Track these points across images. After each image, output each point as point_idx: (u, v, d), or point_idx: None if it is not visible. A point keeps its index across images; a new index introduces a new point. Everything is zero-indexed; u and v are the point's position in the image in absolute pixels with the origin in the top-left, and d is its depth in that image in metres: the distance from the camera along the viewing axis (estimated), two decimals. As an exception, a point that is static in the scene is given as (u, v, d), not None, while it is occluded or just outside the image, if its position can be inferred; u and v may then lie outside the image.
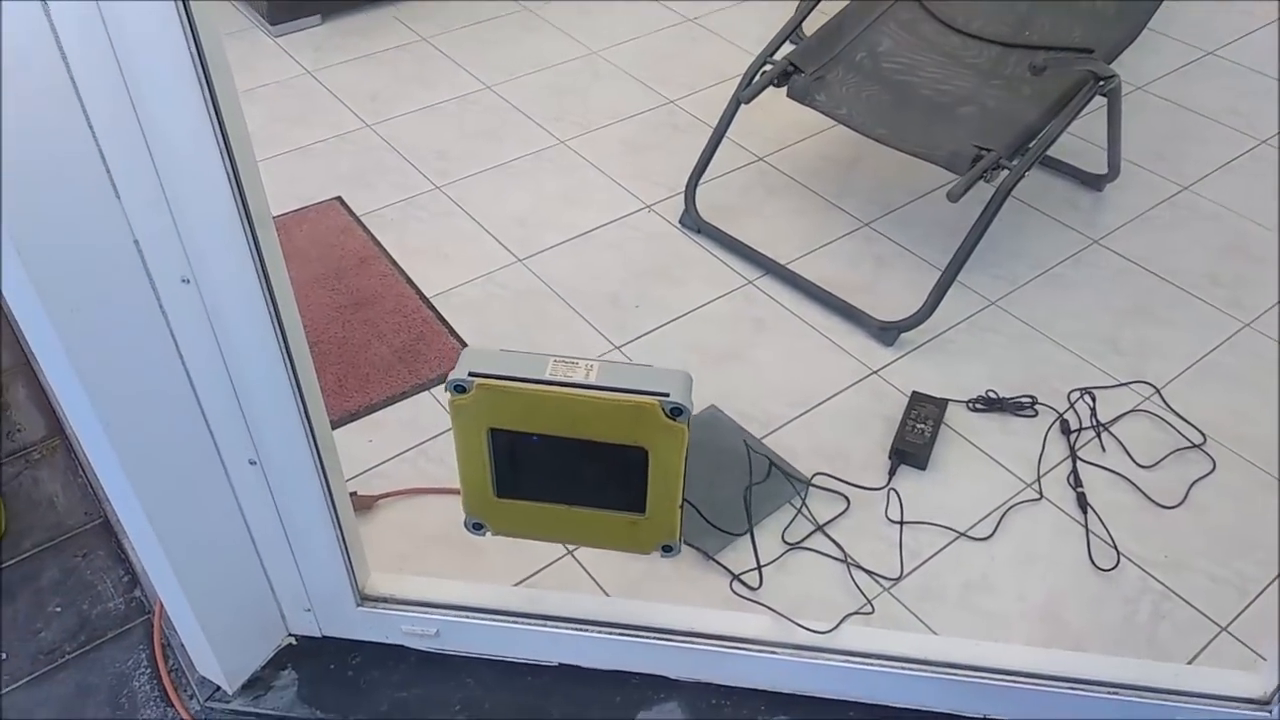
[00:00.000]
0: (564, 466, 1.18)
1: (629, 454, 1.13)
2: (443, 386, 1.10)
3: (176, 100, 0.92)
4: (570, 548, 1.58)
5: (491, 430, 1.15)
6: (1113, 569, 1.58)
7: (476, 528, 1.27)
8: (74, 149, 0.91)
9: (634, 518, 1.21)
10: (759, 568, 1.54)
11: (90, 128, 0.91)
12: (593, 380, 1.09)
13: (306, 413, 1.18)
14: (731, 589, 1.52)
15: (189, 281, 1.04)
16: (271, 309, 1.08)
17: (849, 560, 1.57)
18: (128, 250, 0.99)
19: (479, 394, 1.10)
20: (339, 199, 2.27)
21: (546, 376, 1.09)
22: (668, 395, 1.08)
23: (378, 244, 2.15)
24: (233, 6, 2.94)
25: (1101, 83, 1.94)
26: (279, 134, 2.46)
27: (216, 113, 0.94)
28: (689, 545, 1.57)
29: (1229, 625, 1.51)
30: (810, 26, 2.15)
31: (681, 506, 1.19)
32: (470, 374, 1.09)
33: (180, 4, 0.87)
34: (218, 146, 0.96)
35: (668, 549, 1.24)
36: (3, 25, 0.82)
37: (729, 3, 3.02)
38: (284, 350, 1.12)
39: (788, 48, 2.12)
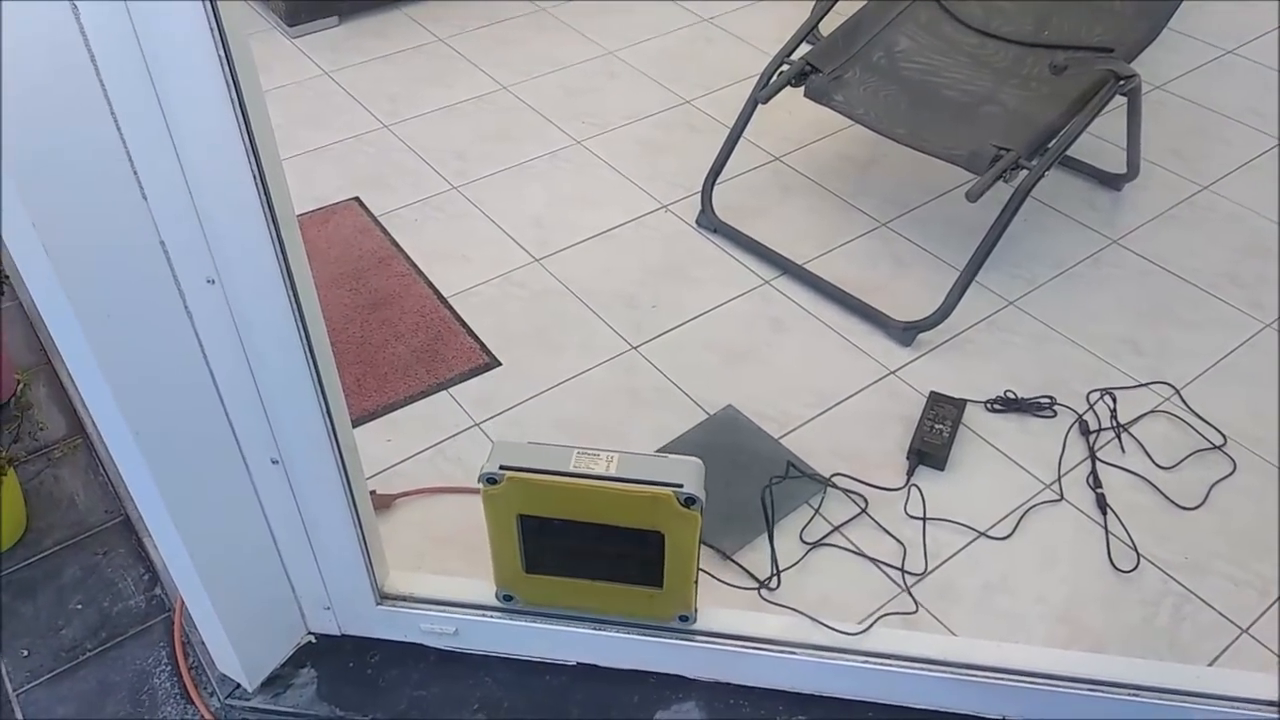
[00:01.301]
0: (587, 547, 1.28)
1: (647, 536, 1.23)
2: (477, 478, 1.23)
3: (203, 103, 0.93)
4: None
5: (521, 516, 1.25)
6: (1132, 570, 1.57)
7: (506, 599, 1.37)
8: (101, 151, 0.91)
9: (652, 591, 1.31)
10: (778, 571, 1.54)
11: (119, 131, 0.91)
12: (613, 472, 1.19)
13: (329, 412, 1.18)
14: (760, 595, 1.51)
15: (214, 282, 1.05)
16: (295, 309, 1.09)
17: (873, 559, 1.57)
18: (154, 251, 1.00)
19: (509, 486, 1.21)
20: (357, 199, 2.28)
21: (570, 469, 1.20)
22: (681, 486, 1.18)
23: (395, 244, 2.16)
24: (251, 8, 2.95)
25: (1122, 82, 1.93)
26: (297, 135, 2.47)
27: (243, 114, 0.95)
28: (707, 545, 1.57)
29: (1250, 627, 1.50)
30: (827, 27, 2.15)
31: (696, 581, 1.29)
32: (501, 467, 1.20)
33: (208, 7, 0.87)
34: (244, 148, 0.97)
35: (684, 618, 1.35)
36: (32, 30, 0.82)
37: (745, 3, 3.01)
38: (307, 350, 1.12)
39: (805, 48, 2.12)
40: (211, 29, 0.89)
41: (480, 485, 1.22)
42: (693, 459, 1.23)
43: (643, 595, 1.32)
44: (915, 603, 1.52)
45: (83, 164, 0.91)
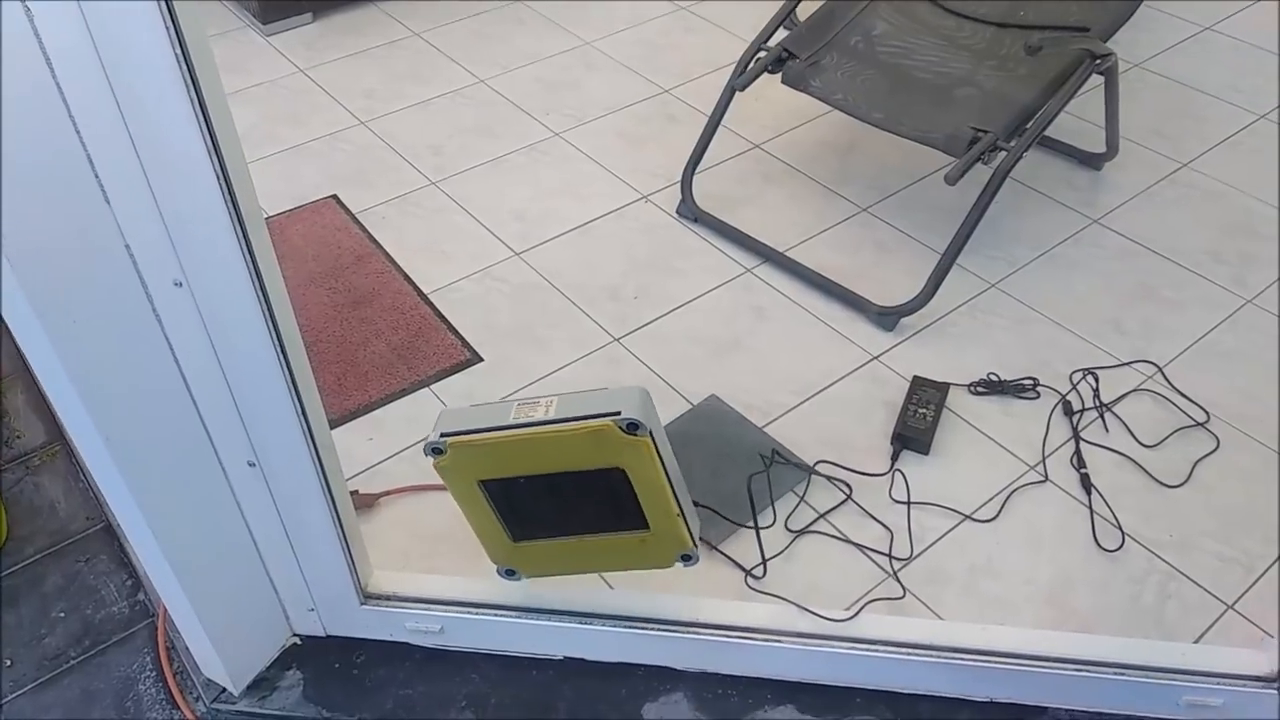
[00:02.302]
0: (559, 501, 1.24)
1: (609, 476, 1.17)
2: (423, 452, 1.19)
3: (163, 104, 0.92)
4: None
5: (481, 483, 1.21)
6: (1118, 549, 1.57)
7: (509, 573, 1.35)
8: (62, 155, 0.90)
9: (641, 535, 1.25)
10: (764, 560, 1.54)
11: (77, 133, 0.90)
12: (551, 415, 1.14)
13: (304, 413, 1.17)
14: (746, 584, 1.51)
15: (181, 284, 1.04)
16: (265, 309, 1.08)
17: (862, 545, 1.56)
18: (119, 255, 0.98)
19: (455, 453, 1.17)
20: (334, 197, 2.27)
21: (510, 421, 1.15)
22: (619, 413, 1.11)
23: (374, 241, 2.15)
24: (224, 7, 2.93)
25: (1098, 61, 1.92)
26: (273, 133, 2.45)
27: (204, 114, 0.94)
28: (692, 536, 1.56)
29: (1235, 603, 1.51)
30: (804, 12, 2.14)
31: (681, 516, 1.22)
32: (442, 435, 1.16)
33: (164, 10, 0.86)
34: (206, 148, 0.95)
35: (687, 558, 1.28)
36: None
37: (722, -10, 3.00)
38: (279, 351, 1.11)
39: (782, 34, 2.11)
40: (168, 30, 0.88)
41: (429, 458, 1.18)
42: (635, 387, 1.16)
43: (635, 542, 1.26)
44: (902, 588, 1.51)
45: (42, 169, 0.90)
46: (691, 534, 1.26)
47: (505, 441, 1.15)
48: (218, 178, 0.98)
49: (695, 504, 1.29)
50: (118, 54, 0.89)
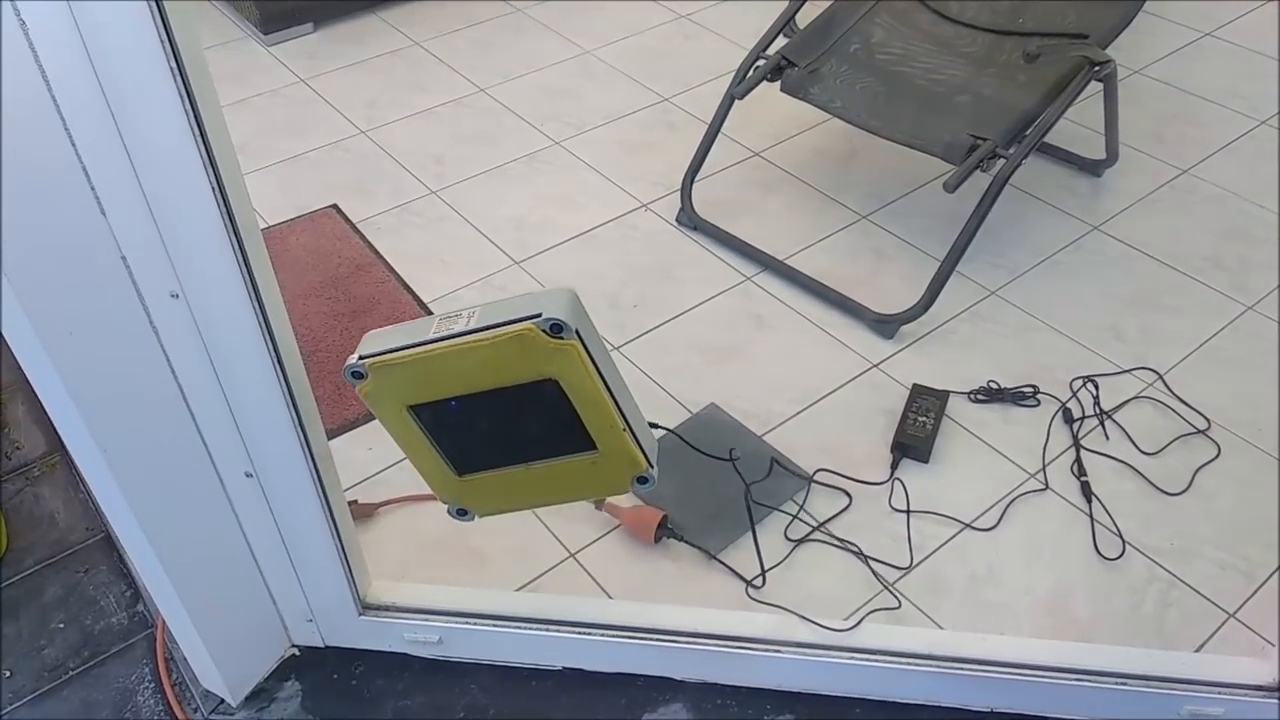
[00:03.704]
0: (498, 424, 1.12)
1: (543, 390, 1.05)
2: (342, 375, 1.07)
3: (157, 114, 0.92)
4: (572, 550, 1.58)
5: (411, 408, 1.09)
6: (1119, 558, 1.56)
7: (461, 513, 1.22)
8: (58, 167, 0.90)
9: (590, 457, 1.12)
10: (763, 570, 1.53)
11: (73, 145, 0.90)
12: (473, 325, 1.03)
13: (301, 424, 1.17)
14: (746, 594, 1.51)
15: (178, 296, 1.04)
16: (261, 320, 1.08)
17: (862, 554, 1.56)
18: (115, 267, 0.99)
19: (376, 376, 1.06)
20: (335, 206, 2.27)
21: (430, 336, 1.03)
22: (540, 315, 1.00)
23: (374, 250, 2.15)
24: (225, 16, 2.93)
25: (1097, 68, 1.92)
26: (273, 143, 2.46)
27: (199, 125, 0.94)
28: (691, 545, 1.56)
29: (1237, 611, 1.50)
30: (804, 20, 2.14)
31: (628, 430, 1.10)
32: (360, 358, 1.05)
33: (157, 16, 0.86)
34: (201, 159, 0.96)
35: (642, 480, 1.14)
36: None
37: (722, -2, 3.01)
38: (276, 361, 1.11)
39: (781, 42, 2.11)
40: (163, 42, 0.88)
41: (352, 385, 1.07)
42: (562, 288, 1.05)
43: (586, 465, 1.13)
44: (901, 597, 1.51)
45: (38, 182, 0.90)
46: (645, 452, 1.13)
47: (426, 357, 1.03)
48: (213, 189, 0.98)
49: (629, 426, 1.11)
50: (112, 66, 0.89)
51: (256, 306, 1.06)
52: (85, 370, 1.01)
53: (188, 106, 0.92)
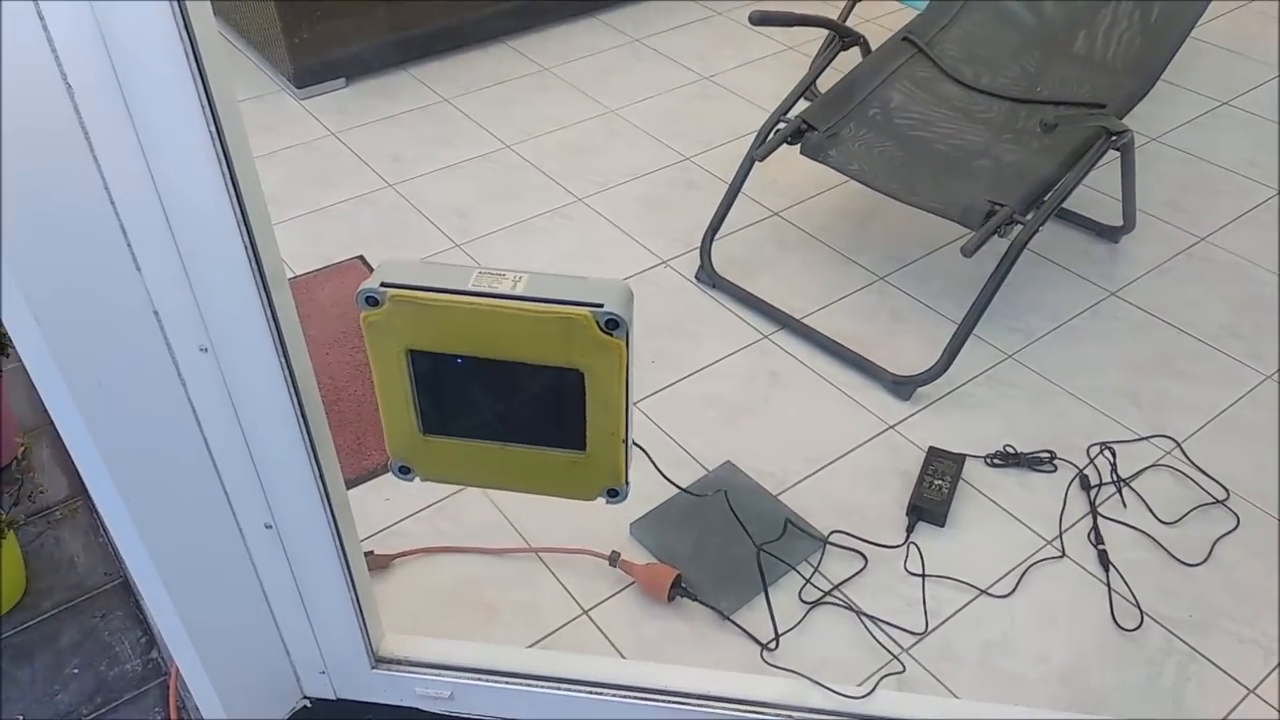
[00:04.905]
0: (494, 397, 1.05)
1: (563, 378, 1.00)
2: (355, 300, 1.01)
3: (193, 171, 0.95)
4: (585, 606, 1.58)
5: (410, 353, 1.02)
6: (1136, 629, 1.55)
7: (403, 471, 1.13)
8: (95, 223, 0.93)
9: (574, 456, 1.07)
10: (777, 634, 1.53)
11: (111, 203, 0.93)
12: (520, 291, 0.97)
13: (322, 477, 1.19)
14: (761, 657, 1.50)
15: (207, 350, 1.06)
16: (288, 375, 1.10)
17: (875, 619, 1.55)
18: (148, 321, 1.01)
19: (393, 308, 0.99)
20: (360, 258, 2.31)
21: (469, 287, 0.97)
22: (602, 306, 0.94)
23: (397, 302, 2.18)
24: (260, 70, 3.01)
25: (1114, 137, 1.95)
26: (302, 195, 2.51)
27: (234, 182, 0.97)
28: (705, 605, 1.56)
29: (1257, 687, 1.48)
30: (824, 84, 2.18)
31: (626, 443, 1.06)
32: (383, 284, 0.98)
33: (198, 79, 0.90)
34: (235, 217, 0.98)
35: (613, 494, 1.10)
36: (27, 105, 0.85)
37: (744, 62, 3.06)
38: (299, 415, 1.13)
39: (802, 105, 2.15)
40: (202, 105, 0.91)
41: (359, 310, 1.00)
42: (619, 280, 0.99)
43: (562, 464, 1.08)
44: (903, 665, 1.50)
45: (77, 238, 0.93)
46: (626, 468, 1.08)
47: (457, 308, 0.97)
48: (245, 247, 1.00)
49: (633, 441, 1.07)
50: (152, 124, 0.92)
51: (283, 361, 1.08)
52: (113, 421, 1.03)
53: (223, 165, 0.95)
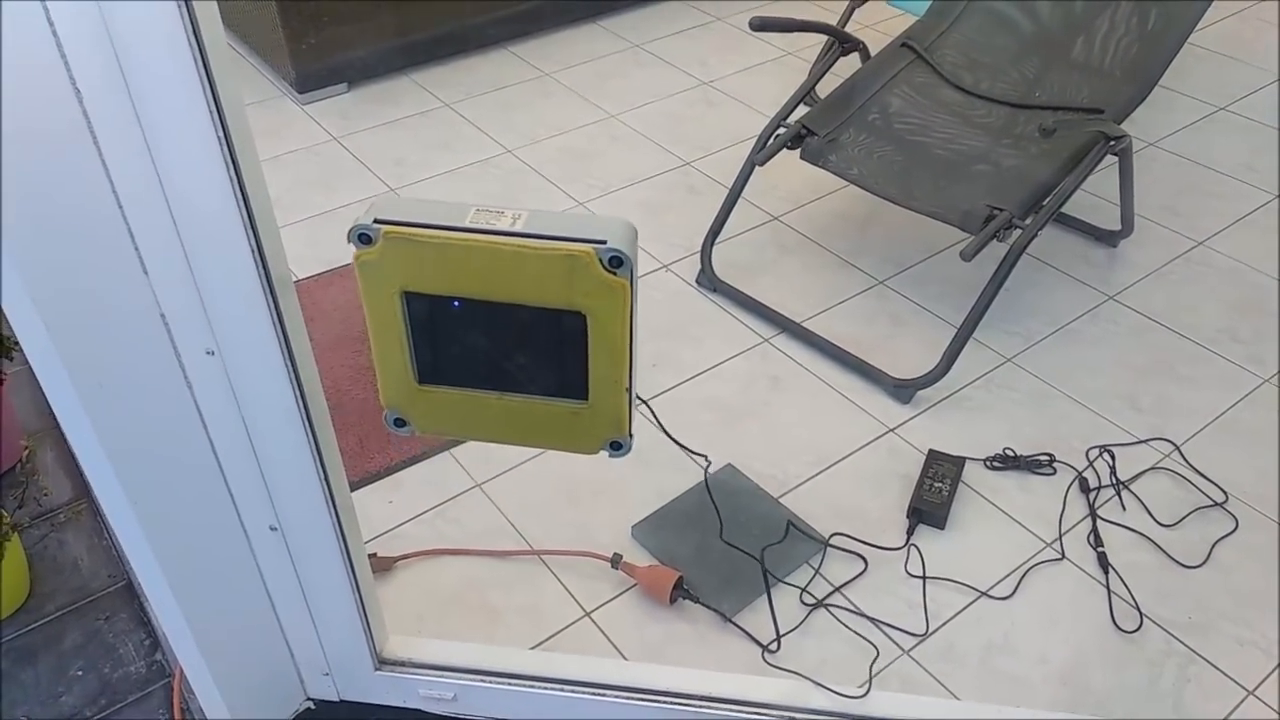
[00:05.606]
0: (493, 342, 1.02)
1: (565, 322, 0.96)
2: (346, 237, 0.96)
3: (202, 177, 0.96)
4: (587, 608, 1.58)
5: (406, 295, 0.98)
6: (1136, 631, 1.56)
7: (398, 424, 1.09)
8: (103, 225, 0.94)
9: (576, 406, 1.03)
10: (779, 635, 1.53)
11: (119, 206, 0.94)
12: (519, 228, 0.92)
13: (327, 478, 1.20)
14: (762, 658, 1.51)
15: (213, 353, 1.07)
16: (293, 377, 1.11)
17: (875, 620, 1.56)
18: (155, 324, 1.02)
19: (387, 246, 0.94)
20: (362, 262, 2.31)
21: (466, 224, 0.93)
22: (605, 242, 0.90)
23: (399, 306, 2.19)
24: (262, 75, 3.02)
25: (1112, 142, 1.96)
26: (305, 199, 2.52)
27: (241, 189, 0.98)
28: (707, 607, 1.57)
29: (1256, 689, 1.49)
30: (824, 89, 2.19)
31: (630, 391, 1.01)
32: (377, 220, 0.94)
33: (205, 81, 0.90)
34: (242, 222, 0.99)
35: (616, 446, 1.05)
36: (34, 106, 0.85)
37: (744, 67, 3.07)
38: (305, 417, 1.14)
39: (801, 110, 2.16)
40: (209, 107, 0.92)
41: (351, 247, 0.95)
42: (622, 219, 0.95)
43: (566, 415, 1.04)
44: (915, 665, 1.50)
45: (84, 241, 0.93)
46: (630, 419, 1.04)
47: (454, 245, 0.93)
48: (252, 251, 1.01)
49: (640, 398, 1.04)
50: (159, 128, 0.93)
51: (289, 364, 1.09)
52: (119, 424, 1.03)
53: (230, 168, 0.96)
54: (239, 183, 0.97)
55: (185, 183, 0.96)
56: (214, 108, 0.92)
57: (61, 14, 0.82)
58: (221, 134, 0.94)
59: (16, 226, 0.89)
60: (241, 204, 0.98)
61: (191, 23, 0.87)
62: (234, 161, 0.96)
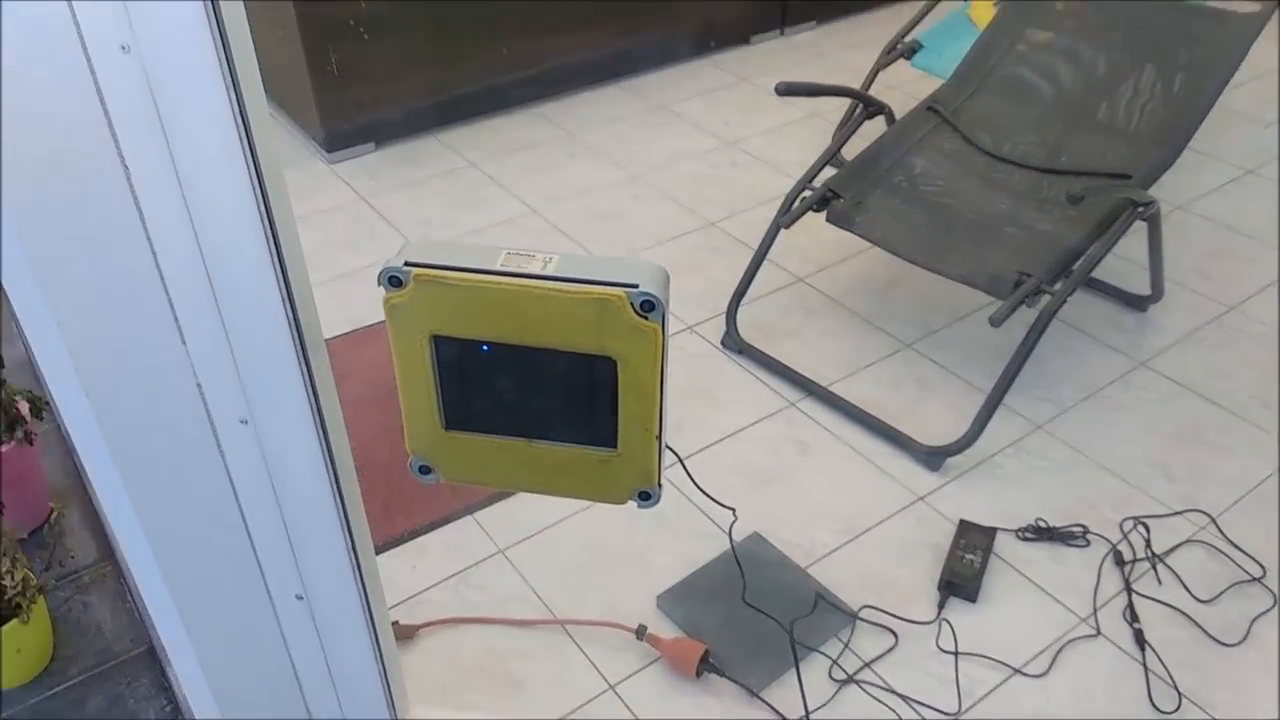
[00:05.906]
0: (521, 388, 1.01)
1: (596, 368, 0.96)
2: (377, 280, 0.96)
3: (241, 246, 0.96)
4: (611, 681, 1.56)
5: (435, 339, 0.98)
6: (1174, 711, 1.51)
7: (423, 471, 1.08)
8: (148, 303, 0.95)
9: (605, 454, 1.02)
10: (808, 713, 1.50)
11: (162, 280, 0.95)
12: (550, 271, 0.92)
13: (354, 548, 1.19)
14: (778, 727, 1.48)
15: (247, 422, 1.07)
16: (325, 447, 1.10)
17: (907, 698, 1.52)
18: (190, 394, 1.02)
19: (417, 289, 0.95)
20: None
21: (497, 267, 0.93)
22: (637, 286, 0.90)
23: (425, 366, 2.19)
24: (291, 134, 3.07)
25: (1141, 208, 1.95)
26: (333, 258, 2.54)
27: (280, 258, 0.98)
28: (733, 681, 1.53)
29: (1303, 774, 1.44)
30: (849, 151, 2.20)
31: (660, 440, 1.00)
32: (407, 263, 0.94)
33: (247, 150, 0.91)
34: (280, 293, 0.99)
35: (645, 496, 1.03)
36: (81, 174, 0.87)
37: (768, 128, 3.10)
38: (335, 488, 1.14)
39: (828, 172, 2.17)
40: (253, 183, 0.93)
41: (382, 290, 0.95)
42: (654, 263, 0.94)
43: (594, 462, 1.03)
44: (949, 743, 1.47)
45: (127, 310, 0.94)
46: (660, 468, 1.03)
47: (485, 289, 0.93)
48: (289, 321, 1.02)
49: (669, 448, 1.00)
50: (202, 199, 0.93)
51: (321, 434, 1.09)
52: (153, 492, 1.03)
53: (270, 239, 0.97)
54: (277, 252, 0.98)
55: (224, 252, 0.97)
56: (259, 192, 0.93)
57: (114, 90, 0.84)
58: (264, 209, 0.94)
59: (63, 298, 0.89)
60: (280, 274, 0.99)
61: (239, 102, 0.89)
62: (273, 231, 0.97)
